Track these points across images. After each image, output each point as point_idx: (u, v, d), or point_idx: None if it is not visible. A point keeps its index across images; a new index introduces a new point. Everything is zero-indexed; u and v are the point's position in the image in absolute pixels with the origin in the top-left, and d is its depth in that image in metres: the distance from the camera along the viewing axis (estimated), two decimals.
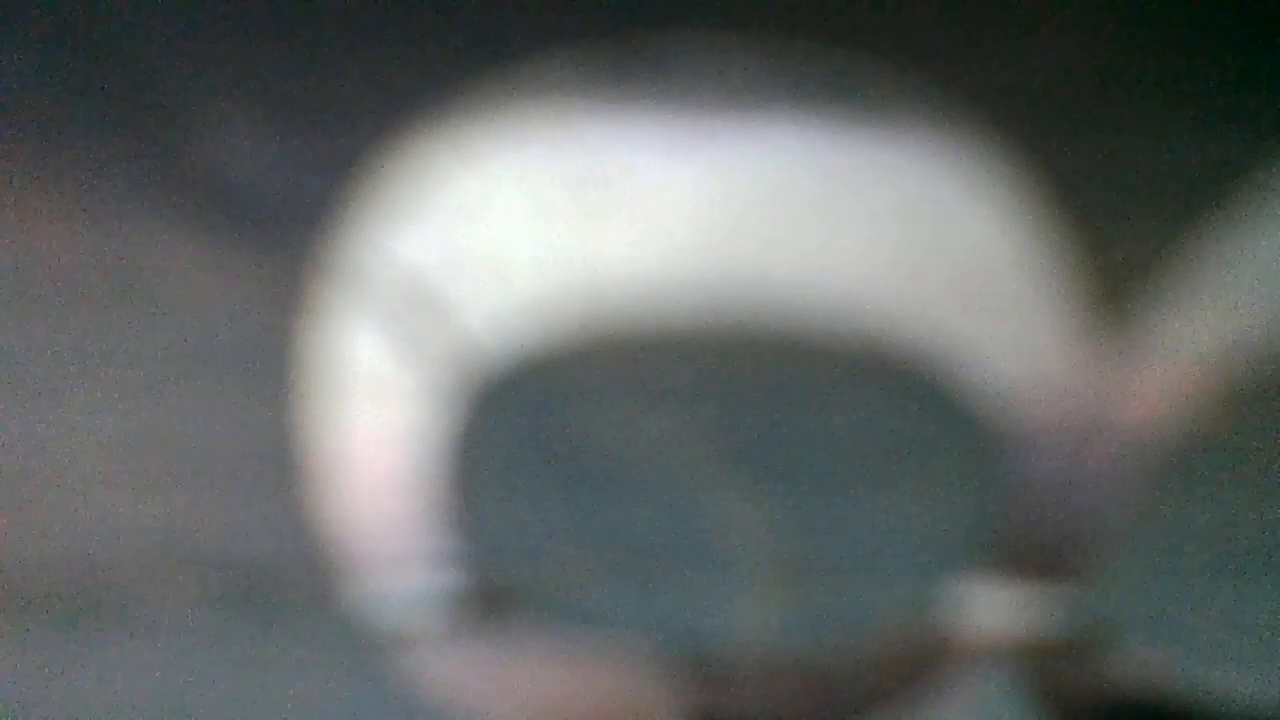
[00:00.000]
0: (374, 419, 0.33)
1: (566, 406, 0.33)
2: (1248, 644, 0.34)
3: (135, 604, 0.34)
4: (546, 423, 0.33)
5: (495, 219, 0.32)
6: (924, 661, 0.34)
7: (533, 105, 0.31)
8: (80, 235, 0.33)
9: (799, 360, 0.33)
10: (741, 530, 0.34)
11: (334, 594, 0.33)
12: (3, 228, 0.33)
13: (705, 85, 0.31)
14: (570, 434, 0.33)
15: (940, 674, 0.34)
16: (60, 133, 0.32)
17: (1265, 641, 0.34)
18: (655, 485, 0.33)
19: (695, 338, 0.32)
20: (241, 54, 0.32)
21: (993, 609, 0.34)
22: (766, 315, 0.32)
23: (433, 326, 0.32)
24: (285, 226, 0.32)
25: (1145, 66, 0.33)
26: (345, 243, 0.32)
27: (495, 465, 0.33)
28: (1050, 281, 0.32)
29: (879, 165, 0.32)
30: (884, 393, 0.33)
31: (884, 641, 0.34)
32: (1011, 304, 0.32)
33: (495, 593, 0.34)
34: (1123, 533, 0.33)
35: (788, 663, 0.34)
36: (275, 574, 0.34)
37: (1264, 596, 0.34)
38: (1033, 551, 0.33)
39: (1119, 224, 0.32)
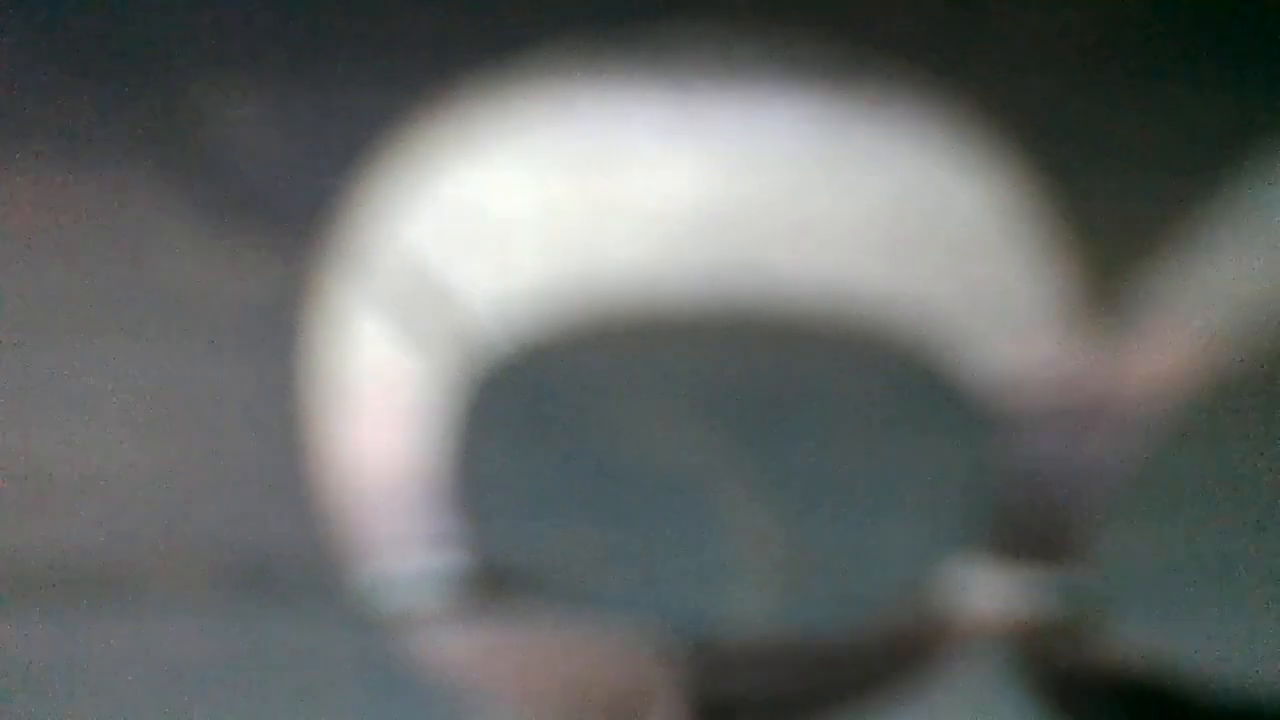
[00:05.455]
0: (379, 404, 0.33)
1: (569, 391, 0.33)
2: (1243, 625, 0.34)
3: (142, 586, 0.34)
4: (549, 407, 0.33)
5: (498, 206, 0.32)
6: (921, 644, 0.34)
7: (535, 92, 0.31)
8: (86, 224, 0.33)
9: (798, 345, 0.33)
10: (740, 513, 0.34)
11: (339, 576, 0.33)
12: (7, 218, 0.33)
13: (706, 72, 0.31)
14: (572, 418, 0.33)
15: (937, 656, 0.34)
16: (64, 123, 0.32)
17: (1261, 622, 0.34)
18: (656, 469, 0.34)
19: (696, 323, 0.32)
20: (246, 41, 0.32)
21: (989, 591, 0.34)
22: (766, 300, 0.32)
23: (436, 312, 0.32)
24: (290, 214, 0.32)
25: (1141, 46, 0.33)
26: (349, 229, 0.32)
27: (498, 449, 0.33)
28: (1047, 264, 0.32)
29: (877, 149, 0.32)
30: (881, 377, 0.33)
31: (881, 624, 0.34)
32: (1008, 286, 0.32)
33: (498, 575, 0.34)
34: (1118, 514, 0.33)
35: (786, 645, 0.34)
36: (281, 556, 0.34)
37: (1260, 578, 0.34)
38: (1029, 534, 0.33)
39: (1115, 206, 0.32)
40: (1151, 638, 0.34)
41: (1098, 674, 0.34)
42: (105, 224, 0.33)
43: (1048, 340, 0.33)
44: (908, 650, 0.34)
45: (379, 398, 0.33)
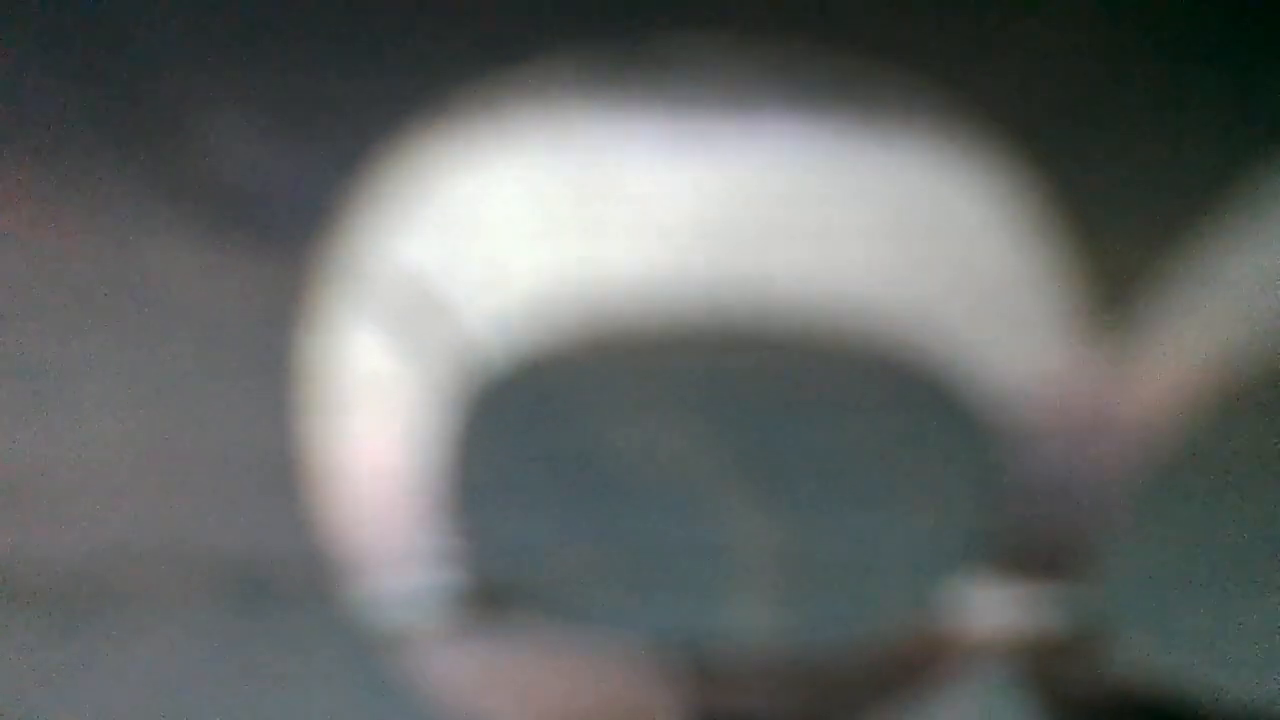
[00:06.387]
0: (375, 419, 0.33)
1: (566, 407, 0.33)
2: (1245, 642, 0.34)
3: (139, 602, 0.34)
4: (546, 423, 0.33)
5: (495, 221, 0.32)
6: (924, 660, 0.34)
7: (533, 107, 0.31)
8: (83, 238, 0.33)
9: (799, 361, 0.33)
10: (740, 529, 0.34)
11: (335, 592, 0.33)
12: (6, 231, 0.33)
13: (705, 87, 0.31)
14: (569, 434, 0.33)
15: (940, 672, 0.34)
16: (61, 136, 0.32)
17: (1263, 639, 0.34)
18: (654, 485, 0.34)
19: (694, 339, 0.32)
20: (243, 56, 0.32)
21: (992, 608, 0.34)
22: (766, 317, 0.32)
23: (433, 328, 0.32)
24: (287, 229, 0.32)
25: (1146, 66, 0.32)
26: (347, 245, 0.32)
27: (495, 465, 0.33)
28: (1051, 282, 0.32)
29: (879, 166, 0.32)
30: (884, 393, 0.33)
31: (884, 640, 0.34)
32: (1012, 304, 0.32)
33: (494, 591, 0.34)
34: (1122, 531, 0.33)
35: (787, 661, 0.34)
36: (278, 572, 0.34)
37: (1262, 595, 0.34)
38: (1032, 550, 0.33)
39: (1119, 224, 0.32)
40: (1153, 654, 0.34)
41: (1101, 689, 0.34)
42: (101, 231, 0.33)
43: (1052, 351, 0.33)
44: (910, 665, 0.34)
45: (375, 410, 0.33)
